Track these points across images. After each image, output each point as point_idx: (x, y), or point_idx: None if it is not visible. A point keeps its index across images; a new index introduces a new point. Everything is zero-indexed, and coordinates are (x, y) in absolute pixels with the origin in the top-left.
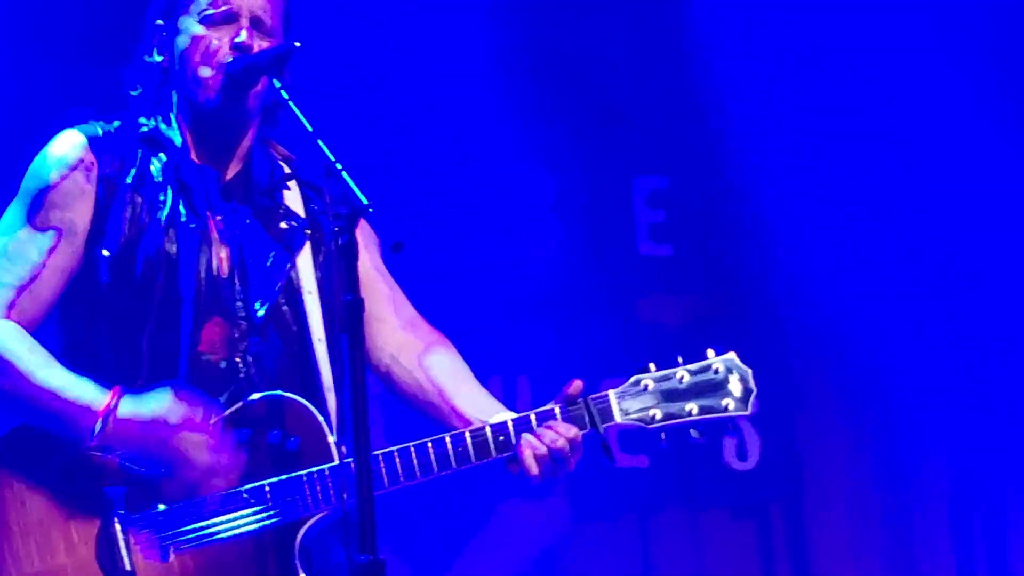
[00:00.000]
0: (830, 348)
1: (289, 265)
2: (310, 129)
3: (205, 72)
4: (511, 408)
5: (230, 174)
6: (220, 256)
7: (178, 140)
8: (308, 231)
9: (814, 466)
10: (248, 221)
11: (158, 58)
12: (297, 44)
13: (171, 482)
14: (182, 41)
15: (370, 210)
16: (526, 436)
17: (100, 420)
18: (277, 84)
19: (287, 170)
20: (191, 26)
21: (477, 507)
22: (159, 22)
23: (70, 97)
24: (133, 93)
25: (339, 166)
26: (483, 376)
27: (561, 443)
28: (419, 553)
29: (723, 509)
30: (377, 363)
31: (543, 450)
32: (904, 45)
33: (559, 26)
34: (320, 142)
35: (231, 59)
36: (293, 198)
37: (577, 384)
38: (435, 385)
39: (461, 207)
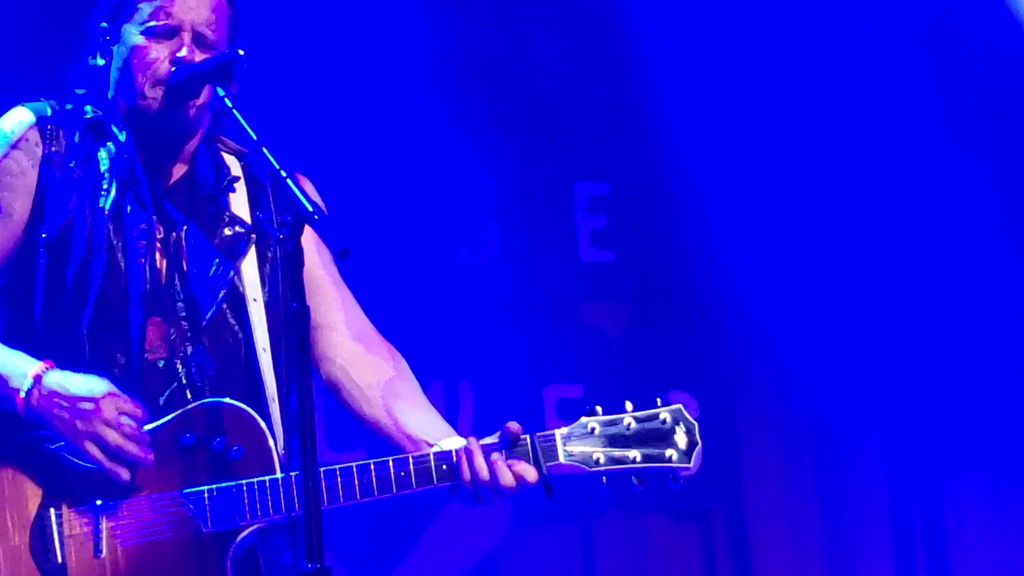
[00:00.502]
0: (769, 353)
1: (232, 273)
2: (255, 137)
3: (145, 83)
4: (452, 415)
5: (174, 176)
6: (163, 259)
7: (122, 136)
8: (252, 236)
9: (754, 469)
10: (189, 227)
11: (100, 61)
12: (241, 52)
13: (108, 478)
14: (122, 51)
15: (315, 217)
16: (477, 465)
17: (28, 379)
18: (221, 92)
19: (234, 172)
20: (132, 36)
21: (419, 512)
22: (103, 24)
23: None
24: (78, 92)
25: (284, 173)
26: (425, 382)
27: (507, 480)
28: (362, 558)
29: (664, 513)
30: (326, 373)
31: (487, 482)
32: (841, 52)
33: (501, 33)
34: (265, 150)
35: (173, 69)
36: (239, 202)
37: (516, 426)
38: (384, 404)
39: (403, 213)
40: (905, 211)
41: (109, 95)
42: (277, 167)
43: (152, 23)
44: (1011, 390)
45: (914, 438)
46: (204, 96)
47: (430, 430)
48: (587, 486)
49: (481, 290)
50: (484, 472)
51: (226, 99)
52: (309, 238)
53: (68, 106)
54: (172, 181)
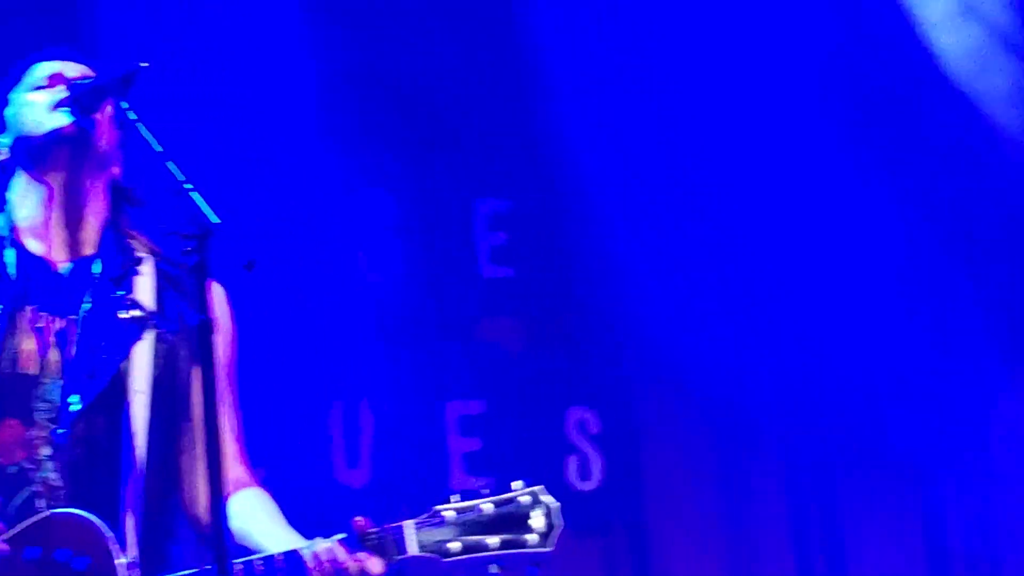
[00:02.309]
0: (669, 367)
1: (122, 361)
2: (159, 149)
3: (46, 108)
4: (353, 435)
5: (72, 258)
6: (28, 348)
7: (4, 224)
8: (152, 323)
9: (655, 483)
10: (78, 314)
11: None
12: (144, 64)
13: None
14: (14, 108)
15: (221, 230)
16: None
17: None
18: (125, 105)
19: (143, 255)
20: (23, 94)
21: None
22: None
23: None
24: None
25: (189, 186)
26: (325, 401)
27: (354, 571)
28: None
29: (567, 529)
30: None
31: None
32: (737, 69)
33: (401, 50)
34: (170, 163)
35: (76, 83)
36: (145, 286)
37: (362, 520)
38: (238, 528)
39: (302, 231)
40: (798, 221)
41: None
42: (182, 179)
43: (42, 83)
44: (902, 391)
45: (811, 446)
46: (104, 114)
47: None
48: None
49: (381, 307)
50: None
51: (130, 112)
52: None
53: None
54: (69, 263)
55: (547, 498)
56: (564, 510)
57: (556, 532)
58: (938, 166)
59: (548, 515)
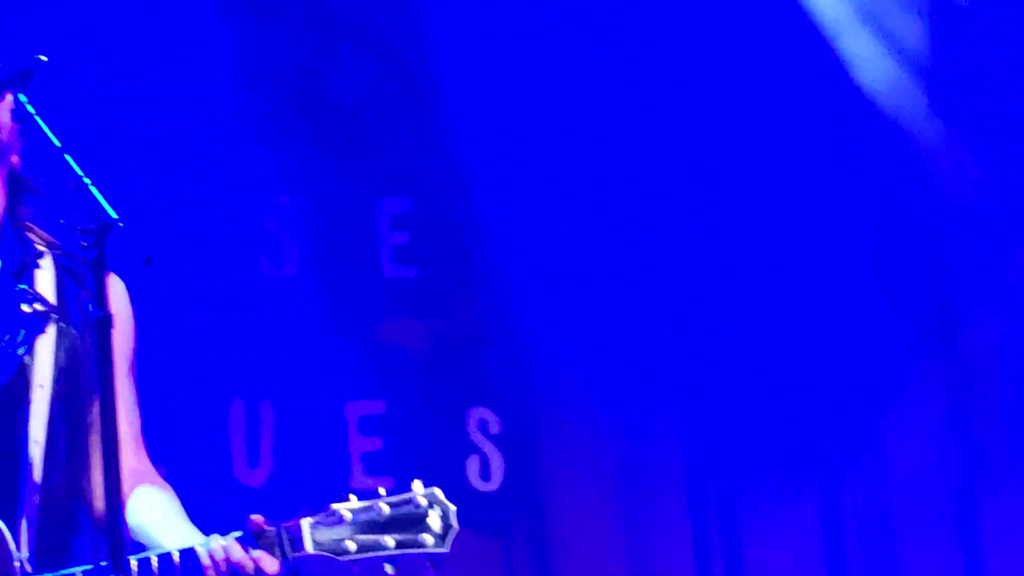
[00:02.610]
0: (571, 368)
1: (23, 351)
2: (58, 144)
3: None
4: (254, 434)
5: None
6: None
7: None
8: (55, 316)
9: (556, 484)
10: None
11: None
12: (43, 58)
13: None
14: None
15: (120, 224)
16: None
17: None
18: (23, 99)
19: (42, 249)
20: None
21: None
22: None
23: None
24: None
25: (88, 181)
26: (225, 399)
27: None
28: None
29: (467, 530)
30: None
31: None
32: (639, 69)
33: (304, 49)
34: (68, 156)
35: None
36: (45, 280)
37: (259, 518)
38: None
39: (203, 228)
40: (698, 222)
41: None
42: (81, 174)
43: None
44: (800, 392)
45: (711, 448)
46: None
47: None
48: None
49: (283, 306)
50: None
51: (28, 105)
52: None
53: None
54: None
55: (444, 500)
56: (464, 511)
57: (453, 533)
58: (847, 173)
59: (445, 516)
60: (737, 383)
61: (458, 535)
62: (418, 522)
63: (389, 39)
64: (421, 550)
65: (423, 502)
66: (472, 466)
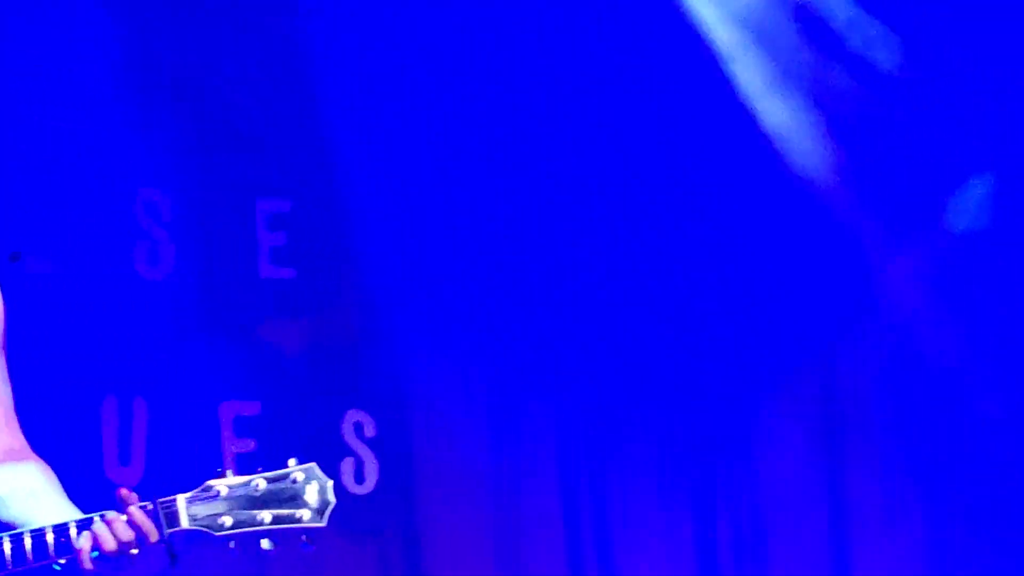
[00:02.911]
0: (447, 370)
1: None
2: None
3: None
4: (126, 431)
5: None
6: None
7: None
8: None
9: (430, 487)
10: None
11: None
12: None
13: None
14: None
15: None
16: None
17: None
18: None
19: None
20: None
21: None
22: None
23: None
24: None
25: None
26: (98, 396)
27: (127, 537)
28: None
29: (340, 532)
30: None
31: (111, 545)
32: (520, 73)
33: (182, 45)
34: None
35: None
36: None
37: (126, 492)
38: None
39: (78, 225)
40: (566, 227)
41: None
42: None
43: None
44: (670, 393)
45: (585, 449)
46: None
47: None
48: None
49: (158, 305)
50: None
51: None
52: None
53: None
54: None
55: (321, 475)
56: (338, 514)
57: (330, 508)
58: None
59: (322, 491)
60: (611, 385)
61: (331, 538)
62: (295, 497)
63: (270, 38)
64: (298, 525)
65: (300, 477)
66: (346, 468)
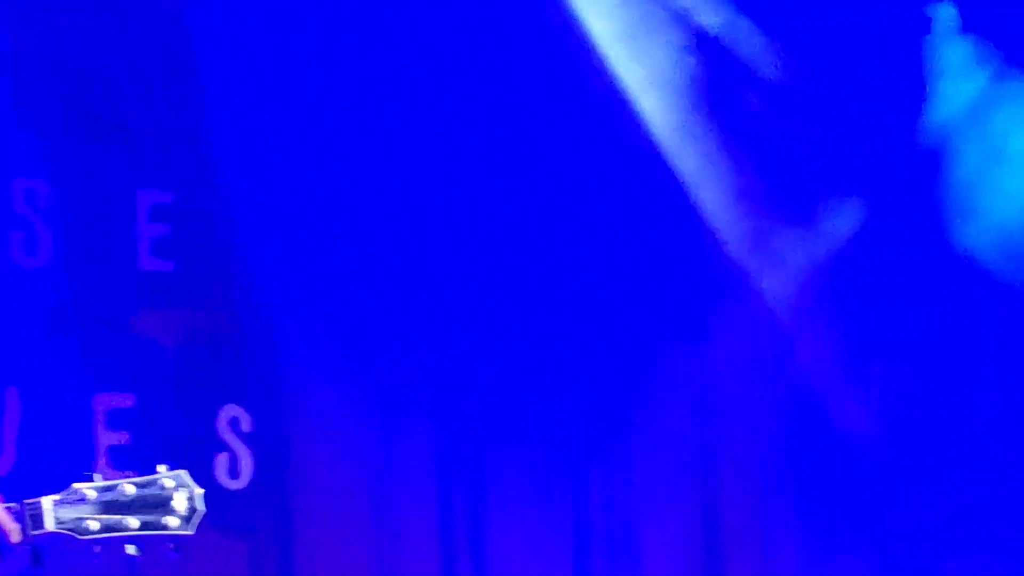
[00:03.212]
0: (325, 367)
1: None
2: None
3: None
4: None
5: None
6: None
7: None
8: None
9: (305, 484)
10: None
11: None
12: None
13: None
14: None
15: None
16: None
17: None
18: None
19: None
20: None
21: None
22: None
23: None
24: None
25: None
26: None
27: None
28: None
29: (213, 528)
30: None
31: None
32: (395, 59)
33: (64, 35)
34: None
35: None
36: None
37: None
38: None
39: None
40: (443, 220)
41: None
42: None
43: None
44: (546, 389)
45: (462, 444)
46: None
47: None
48: None
49: (33, 295)
50: None
51: None
52: None
53: None
54: None
55: (191, 482)
56: (211, 509)
57: (198, 516)
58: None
59: (191, 499)
60: (487, 384)
61: (204, 534)
62: (163, 504)
63: (153, 28)
64: (165, 532)
65: (169, 484)
66: (221, 464)
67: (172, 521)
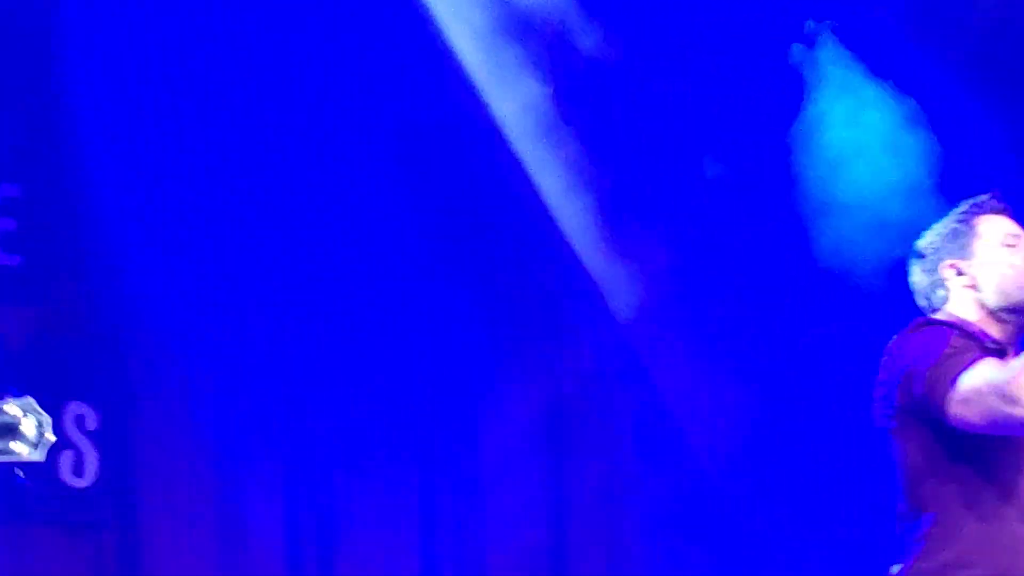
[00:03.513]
0: (173, 364)
1: None
2: None
3: None
4: None
5: None
6: None
7: None
8: None
9: (152, 484)
10: None
11: None
12: None
13: None
14: None
15: None
16: None
17: None
18: None
19: None
20: None
21: None
22: None
23: None
24: None
25: None
26: None
27: None
28: None
29: (56, 527)
30: None
31: None
32: (266, 57)
33: None
34: None
35: None
36: None
37: None
38: None
39: None
40: (330, 217)
41: None
42: None
43: None
44: (397, 388)
45: (307, 452)
46: None
47: None
48: None
49: None
50: None
51: None
52: None
53: None
54: None
55: (39, 409)
56: (55, 507)
57: (47, 443)
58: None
59: (40, 425)
60: (342, 386)
61: (48, 531)
62: (11, 431)
63: (8, 18)
64: (13, 459)
65: (16, 411)
66: (65, 461)
67: (22, 448)
